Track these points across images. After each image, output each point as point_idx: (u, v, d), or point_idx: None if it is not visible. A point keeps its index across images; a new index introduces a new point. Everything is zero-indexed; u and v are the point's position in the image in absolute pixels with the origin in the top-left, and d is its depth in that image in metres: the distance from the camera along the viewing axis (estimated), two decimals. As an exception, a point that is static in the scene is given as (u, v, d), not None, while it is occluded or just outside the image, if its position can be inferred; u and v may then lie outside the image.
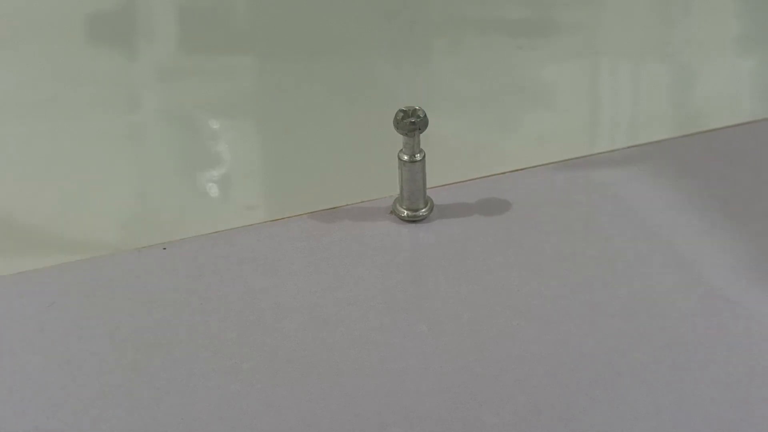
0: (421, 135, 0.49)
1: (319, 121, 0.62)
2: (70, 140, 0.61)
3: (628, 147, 0.56)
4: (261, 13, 0.78)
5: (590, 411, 0.40)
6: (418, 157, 0.49)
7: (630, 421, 0.40)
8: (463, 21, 0.75)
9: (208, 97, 0.66)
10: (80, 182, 0.57)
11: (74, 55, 0.71)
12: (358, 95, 0.65)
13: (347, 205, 0.52)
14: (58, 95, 0.66)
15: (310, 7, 0.76)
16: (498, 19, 0.75)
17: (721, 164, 0.54)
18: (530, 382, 0.41)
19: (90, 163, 0.59)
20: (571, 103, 0.65)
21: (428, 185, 0.50)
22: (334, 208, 0.51)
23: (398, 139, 0.49)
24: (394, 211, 0.51)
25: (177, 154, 0.61)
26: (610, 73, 0.68)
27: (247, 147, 0.62)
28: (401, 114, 0.48)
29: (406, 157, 0.49)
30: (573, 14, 0.75)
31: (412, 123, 0.48)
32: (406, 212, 0.50)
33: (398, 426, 0.40)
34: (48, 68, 0.69)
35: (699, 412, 0.40)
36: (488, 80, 0.66)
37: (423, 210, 0.50)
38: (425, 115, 0.48)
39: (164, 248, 0.49)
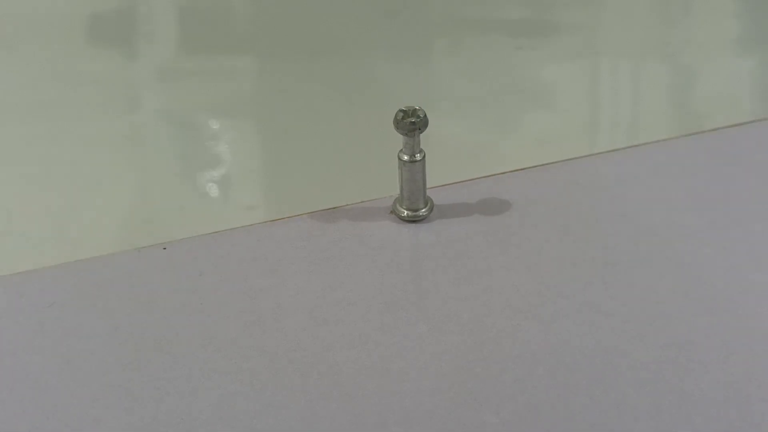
0: (421, 135, 0.49)
1: (319, 121, 0.62)
2: (70, 140, 0.61)
3: (628, 147, 0.56)
4: (261, 13, 0.78)
5: (590, 411, 0.40)
6: (418, 157, 0.49)
7: (630, 421, 0.40)
8: (463, 21, 0.75)
9: (208, 97, 0.66)
10: (80, 182, 0.57)
11: (74, 56, 0.71)
12: (358, 95, 0.65)
13: (347, 205, 0.52)
14: (58, 96, 0.66)
15: (310, 7, 0.76)
16: (498, 19, 0.75)
17: (721, 164, 0.54)
18: (530, 382, 0.41)
19: (90, 164, 0.59)
20: (571, 103, 0.65)
21: (428, 185, 0.50)
22: (334, 208, 0.51)
23: (398, 139, 0.49)
24: (394, 211, 0.51)
25: (177, 155, 0.61)
26: (610, 73, 0.68)
27: (247, 147, 0.62)
28: (401, 114, 0.48)
29: (406, 157, 0.49)
30: (573, 14, 0.75)
31: (412, 123, 0.48)
32: (406, 212, 0.50)
33: (398, 426, 0.40)
34: (48, 69, 0.69)
35: (699, 412, 0.40)
36: (488, 80, 0.66)
37: (423, 210, 0.50)
38: (425, 115, 0.48)
39: (164, 248, 0.49)
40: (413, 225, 0.50)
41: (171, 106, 0.66)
